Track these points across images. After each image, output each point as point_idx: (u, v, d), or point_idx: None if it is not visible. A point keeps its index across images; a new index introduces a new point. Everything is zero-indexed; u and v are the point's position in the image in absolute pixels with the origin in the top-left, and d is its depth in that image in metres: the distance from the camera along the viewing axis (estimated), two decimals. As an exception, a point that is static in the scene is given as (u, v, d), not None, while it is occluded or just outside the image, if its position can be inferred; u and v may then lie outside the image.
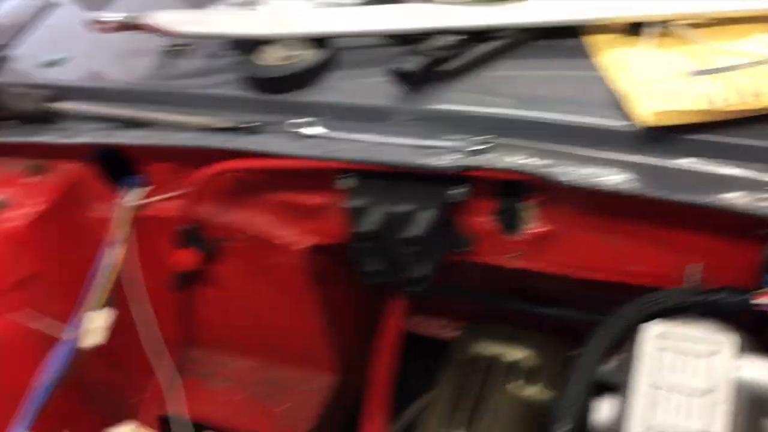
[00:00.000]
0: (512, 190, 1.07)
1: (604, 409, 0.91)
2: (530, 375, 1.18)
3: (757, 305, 0.89)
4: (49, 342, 1.27)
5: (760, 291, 0.90)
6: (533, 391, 1.17)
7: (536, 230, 1.09)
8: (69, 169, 1.35)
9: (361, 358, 1.62)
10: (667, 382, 0.86)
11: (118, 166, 1.36)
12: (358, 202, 1.06)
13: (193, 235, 1.34)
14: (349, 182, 1.10)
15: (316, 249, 1.30)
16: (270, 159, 1.13)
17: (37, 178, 1.33)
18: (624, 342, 0.97)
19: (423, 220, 1.02)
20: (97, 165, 1.36)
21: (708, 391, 0.84)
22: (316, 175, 1.17)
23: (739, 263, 0.97)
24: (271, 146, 1.11)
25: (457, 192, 1.05)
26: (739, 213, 0.87)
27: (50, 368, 1.23)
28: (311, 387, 1.51)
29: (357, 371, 1.62)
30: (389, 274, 1.08)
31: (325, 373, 1.53)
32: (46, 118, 1.30)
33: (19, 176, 1.33)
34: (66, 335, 1.25)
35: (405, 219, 1.03)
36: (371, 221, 1.02)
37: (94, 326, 1.27)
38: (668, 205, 0.93)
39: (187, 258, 1.36)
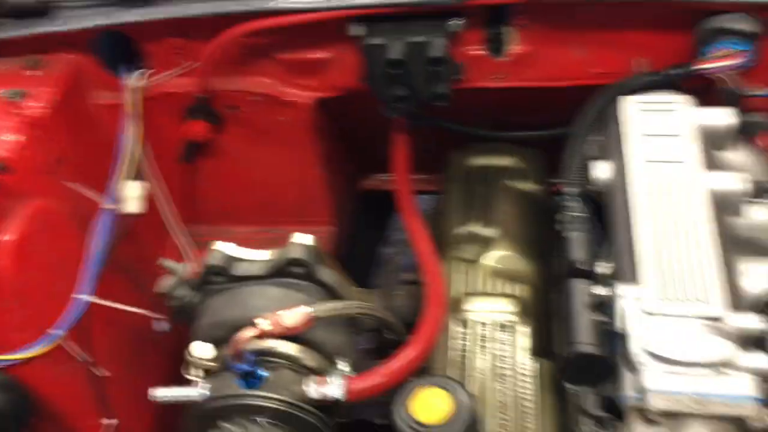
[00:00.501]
0: (497, 19, 1.30)
1: (601, 168, 1.18)
2: (521, 175, 1.45)
3: (697, 70, 1.19)
4: (85, 219, 1.37)
5: (697, 59, 1.20)
6: (528, 186, 1.43)
7: (518, 51, 1.33)
8: (67, 60, 1.42)
9: (347, 212, 1.83)
10: (650, 132, 1.14)
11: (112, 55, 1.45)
12: (378, 40, 1.25)
13: (201, 106, 1.46)
14: (361, 28, 1.27)
15: (318, 104, 1.47)
16: (282, 16, 1.28)
17: (38, 72, 1.39)
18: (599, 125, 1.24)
19: (439, 44, 1.23)
20: (93, 55, 1.44)
21: (678, 135, 1.13)
22: (321, 30, 1.33)
23: (678, 48, 1.26)
24: (289, 4, 1.26)
25: (456, 23, 1.26)
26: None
27: (99, 236, 1.34)
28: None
29: (346, 223, 1.82)
30: (411, 96, 1.29)
31: (323, 225, 1.72)
32: (41, 12, 1.36)
33: (20, 71, 1.39)
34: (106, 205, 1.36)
35: (422, 47, 1.23)
36: (397, 50, 1.22)
37: (131, 195, 1.38)
38: (622, 10, 1.21)
39: (197, 129, 1.48)
